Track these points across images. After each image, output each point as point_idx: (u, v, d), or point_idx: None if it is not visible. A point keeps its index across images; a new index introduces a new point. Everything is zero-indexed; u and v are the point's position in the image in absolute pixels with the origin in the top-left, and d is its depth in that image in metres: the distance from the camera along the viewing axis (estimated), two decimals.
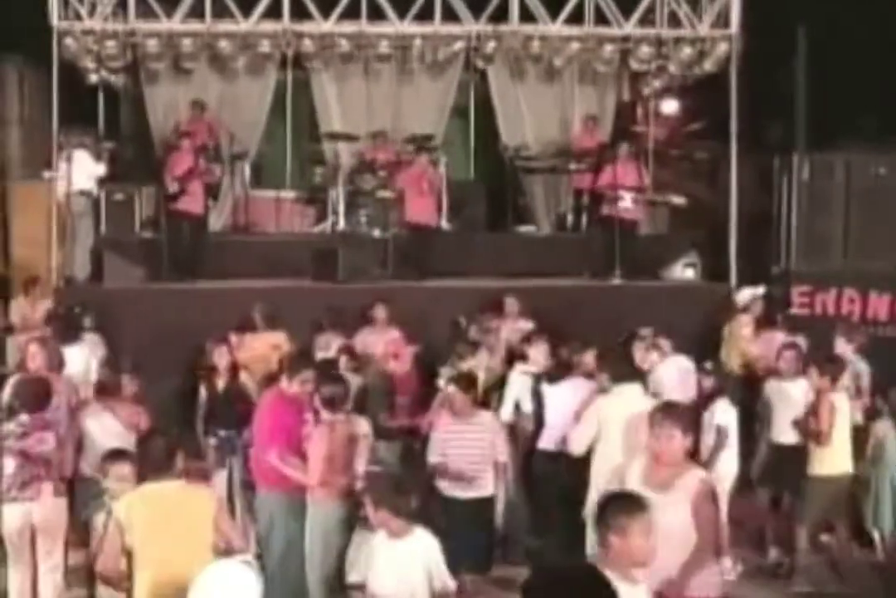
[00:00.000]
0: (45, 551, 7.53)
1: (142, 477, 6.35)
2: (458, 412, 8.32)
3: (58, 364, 9.04)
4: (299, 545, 7.68)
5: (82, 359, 10.20)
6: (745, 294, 12.45)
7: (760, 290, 12.61)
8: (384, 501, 6.06)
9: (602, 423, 7.81)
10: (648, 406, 7.43)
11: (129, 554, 5.97)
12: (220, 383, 9.91)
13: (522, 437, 9.41)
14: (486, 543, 8.40)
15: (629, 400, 7.82)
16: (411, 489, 6.21)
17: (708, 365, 9.09)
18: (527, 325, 11.53)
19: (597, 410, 7.98)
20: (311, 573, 7.61)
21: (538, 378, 9.38)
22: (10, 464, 7.33)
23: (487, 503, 8.36)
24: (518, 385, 9.55)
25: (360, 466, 7.82)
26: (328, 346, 10.87)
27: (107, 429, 8.38)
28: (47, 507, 7.41)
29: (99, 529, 6.59)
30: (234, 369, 9.84)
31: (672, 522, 5.87)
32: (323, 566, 7.51)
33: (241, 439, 9.18)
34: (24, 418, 7.43)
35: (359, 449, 7.84)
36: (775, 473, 9.32)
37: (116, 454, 6.89)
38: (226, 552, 6.02)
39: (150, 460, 6.24)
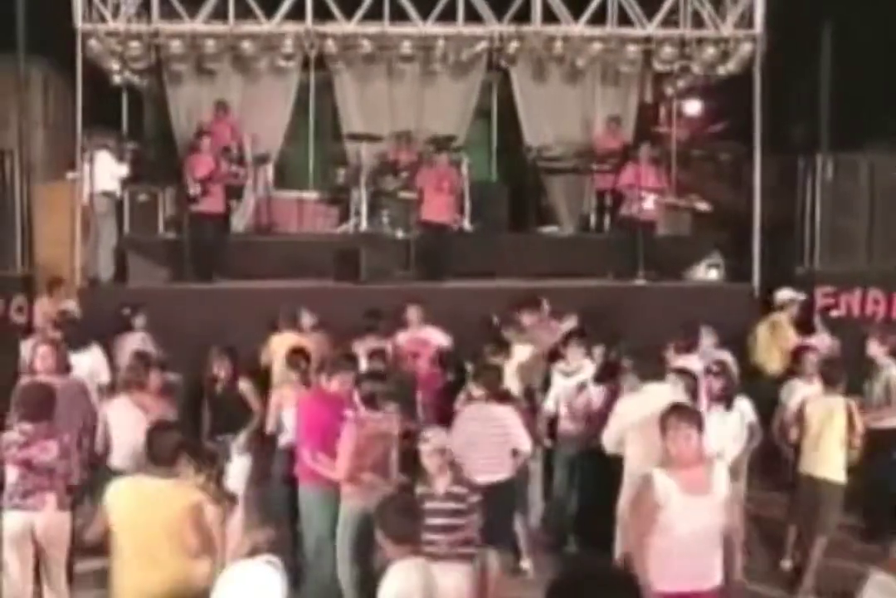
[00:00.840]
0: (49, 561, 7.42)
1: (140, 468, 6.41)
2: (479, 406, 8.45)
3: (65, 368, 9.03)
4: (332, 540, 7.80)
5: (87, 367, 10.18)
6: (784, 294, 12.31)
7: (800, 294, 12.54)
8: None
9: (629, 423, 7.79)
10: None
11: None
12: (219, 390, 9.93)
13: (563, 435, 9.55)
14: (505, 525, 8.47)
15: (655, 400, 7.78)
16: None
17: (714, 367, 9.03)
18: (563, 325, 11.49)
19: (624, 410, 7.97)
20: (342, 568, 7.71)
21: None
22: (12, 473, 7.20)
23: (504, 486, 8.37)
24: (559, 386, 9.64)
25: (394, 464, 7.85)
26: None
27: (133, 422, 8.39)
28: (50, 519, 7.26)
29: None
30: (234, 377, 9.85)
31: (713, 523, 6.01)
32: (354, 561, 7.60)
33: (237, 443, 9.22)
34: (26, 426, 7.26)
35: (393, 447, 7.86)
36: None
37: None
38: (250, 552, 6.04)
39: (153, 452, 6.20)
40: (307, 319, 11.66)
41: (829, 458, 8.64)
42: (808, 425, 8.69)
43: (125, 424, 8.42)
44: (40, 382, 8.36)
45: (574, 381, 9.54)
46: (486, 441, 8.27)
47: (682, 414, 6.32)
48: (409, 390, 10.10)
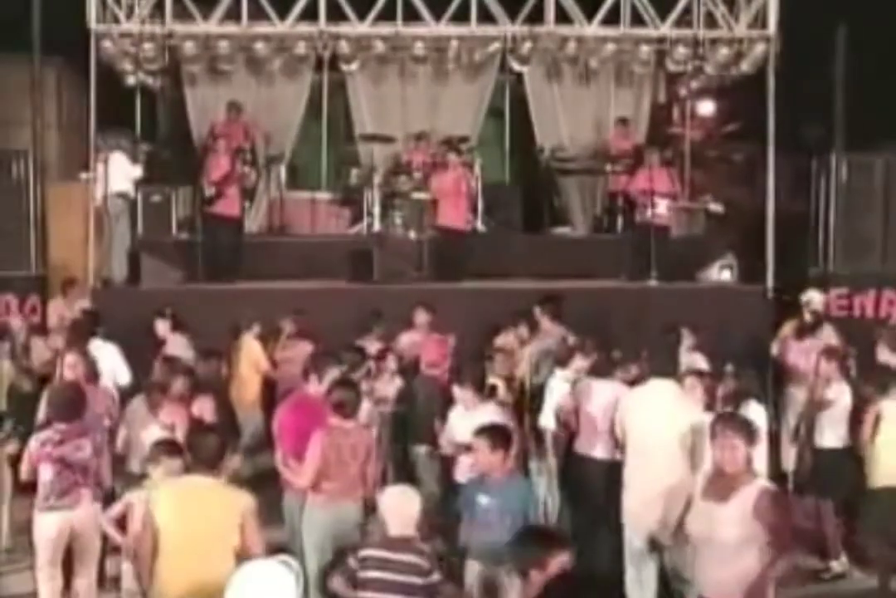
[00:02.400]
0: (81, 558, 7.53)
1: (187, 469, 6.44)
2: (466, 406, 8.51)
3: (94, 374, 9.06)
4: (297, 545, 7.69)
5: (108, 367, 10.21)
6: (815, 297, 12.17)
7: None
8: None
9: (628, 422, 7.80)
10: (679, 403, 7.40)
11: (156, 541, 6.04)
12: None
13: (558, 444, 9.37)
14: None
15: (657, 397, 7.76)
16: None
17: (729, 367, 8.98)
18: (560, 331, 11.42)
19: (625, 409, 7.95)
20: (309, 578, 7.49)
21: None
22: (48, 471, 7.34)
23: None
24: (557, 393, 9.44)
25: (370, 475, 7.68)
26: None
27: (149, 427, 8.42)
28: (87, 513, 7.40)
29: (137, 512, 6.69)
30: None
31: (728, 534, 5.91)
32: (315, 568, 7.41)
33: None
34: (60, 425, 7.43)
35: (368, 459, 7.65)
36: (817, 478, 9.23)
37: (171, 448, 6.92)
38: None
39: (198, 455, 6.24)
40: (288, 326, 11.66)
41: None
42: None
43: (142, 428, 8.41)
44: (70, 381, 8.47)
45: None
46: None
47: (730, 423, 6.25)
48: (433, 392, 10.04)
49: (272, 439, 8.41)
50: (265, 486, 8.00)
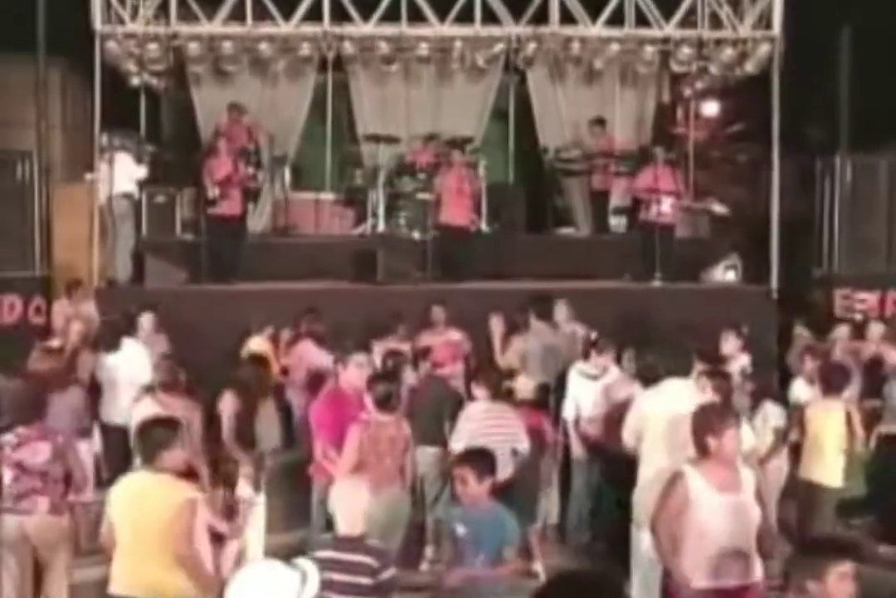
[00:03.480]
0: (47, 564, 7.33)
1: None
2: (482, 406, 8.59)
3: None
4: None
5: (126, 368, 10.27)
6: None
7: None
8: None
9: (644, 420, 7.71)
10: (692, 403, 7.38)
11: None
12: None
13: (581, 437, 9.51)
14: None
15: (672, 396, 7.73)
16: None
17: (749, 368, 8.99)
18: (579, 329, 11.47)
19: (639, 407, 7.90)
20: None
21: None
22: (7, 475, 7.11)
23: (506, 486, 8.34)
24: (576, 385, 9.57)
25: (408, 468, 7.85)
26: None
27: None
28: (43, 523, 7.19)
29: None
30: None
31: (748, 519, 6.08)
32: None
33: None
34: (19, 429, 7.19)
35: (405, 452, 7.83)
36: None
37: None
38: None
39: (143, 448, 6.22)
40: (286, 334, 11.71)
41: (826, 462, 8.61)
42: (807, 429, 8.68)
43: None
44: (27, 383, 8.35)
45: (600, 385, 9.43)
46: (488, 441, 8.32)
47: (729, 415, 6.39)
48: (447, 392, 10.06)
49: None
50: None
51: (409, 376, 10.14)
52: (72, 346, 10.73)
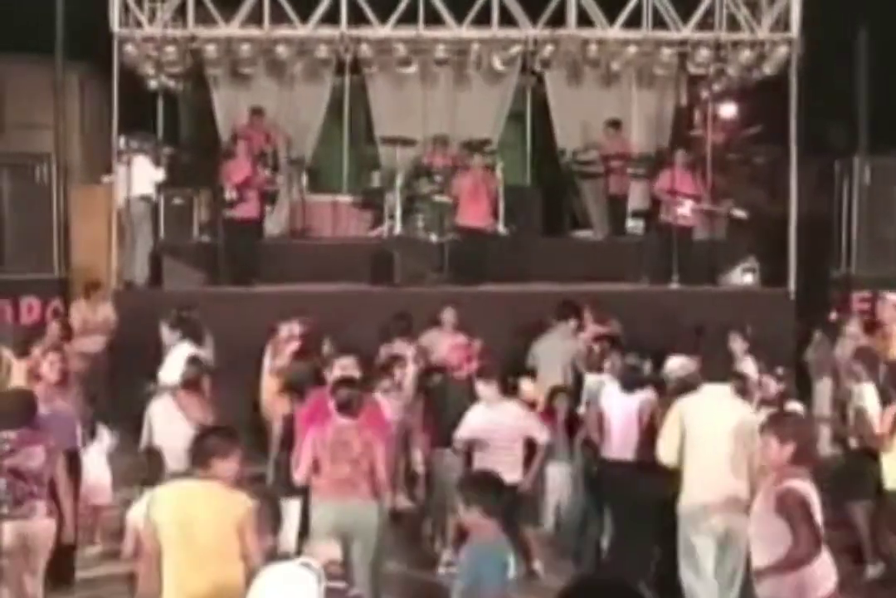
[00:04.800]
0: (29, 566, 7.24)
1: (185, 473, 6.31)
2: (488, 403, 8.61)
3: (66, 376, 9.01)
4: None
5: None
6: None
7: None
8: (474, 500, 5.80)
9: (688, 427, 7.58)
10: (737, 408, 7.35)
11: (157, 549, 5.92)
12: None
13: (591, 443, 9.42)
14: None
15: (715, 402, 7.66)
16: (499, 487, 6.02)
17: (780, 370, 8.95)
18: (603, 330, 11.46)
19: (680, 414, 7.73)
20: None
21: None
22: (1, 482, 7.04)
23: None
24: (593, 389, 9.57)
25: (380, 473, 7.60)
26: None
27: (170, 422, 8.45)
28: (40, 526, 7.14)
29: (135, 528, 6.66)
30: None
31: (757, 530, 6.07)
32: None
33: None
34: (9, 434, 7.10)
35: (366, 457, 7.57)
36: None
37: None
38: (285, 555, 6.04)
39: (196, 455, 6.06)
40: (296, 328, 11.67)
41: None
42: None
43: (161, 421, 8.43)
44: (16, 388, 8.38)
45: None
46: (497, 438, 8.46)
47: (771, 423, 6.32)
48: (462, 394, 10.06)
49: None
50: None
51: (407, 380, 10.17)
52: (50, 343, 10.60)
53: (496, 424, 8.56)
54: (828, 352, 11.38)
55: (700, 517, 7.45)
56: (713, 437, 7.42)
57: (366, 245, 14.61)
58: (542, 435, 8.73)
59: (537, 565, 8.91)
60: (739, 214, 14.82)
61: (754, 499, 6.27)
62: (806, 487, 6.04)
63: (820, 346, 11.78)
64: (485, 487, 5.91)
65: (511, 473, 8.29)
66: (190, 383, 8.85)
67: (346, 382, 7.97)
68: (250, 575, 5.84)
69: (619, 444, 8.71)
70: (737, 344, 10.46)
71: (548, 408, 9.77)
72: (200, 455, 5.98)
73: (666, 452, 7.73)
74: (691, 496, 7.49)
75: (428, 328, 11.65)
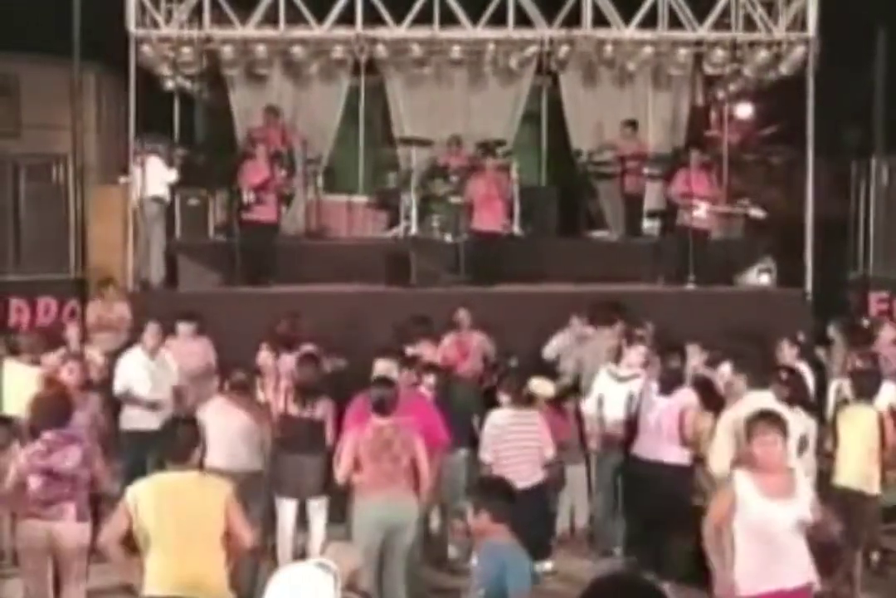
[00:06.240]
0: (66, 571, 7.28)
1: (160, 465, 6.45)
2: (508, 412, 8.65)
3: (88, 380, 9.08)
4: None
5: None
6: None
7: None
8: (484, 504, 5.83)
9: (739, 435, 7.32)
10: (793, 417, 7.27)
11: (132, 538, 6.08)
12: None
13: (602, 434, 9.54)
14: (542, 531, 8.60)
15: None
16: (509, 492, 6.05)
17: (783, 374, 8.90)
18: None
19: (731, 423, 7.64)
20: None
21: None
22: (35, 482, 7.08)
23: (537, 491, 8.57)
24: (602, 382, 9.62)
25: (421, 471, 7.70)
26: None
27: (231, 425, 8.49)
28: (69, 530, 7.15)
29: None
30: None
31: (796, 526, 6.05)
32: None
33: None
34: (47, 435, 7.17)
35: (405, 455, 7.69)
36: None
37: None
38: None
39: (171, 448, 6.25)
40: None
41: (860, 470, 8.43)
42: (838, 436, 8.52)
43: (222, 425, 8.43)
44: (56, 389, 8.37)
45: (628, 388, 9.42)
46: (516, 446, 8.50)
47: (773, 421, 6.31)
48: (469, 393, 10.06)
49: None
50: None
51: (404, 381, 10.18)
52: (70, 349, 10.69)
53: (514, 433, 8.60)
54: (844, 353, 11.32)
55: None
56: None
57: (381, 246, 14.61)
58: (549, 451, 8.78)
59: (548, 564, 8.92)
60: (757, 213, 14.76)
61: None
62: None
63: (836, 347, 11.72)
64: (493, 492, 5.96)
65: (527, 480, 8.39)
66: (239, 385, 8.88)
67: (381, 382, 8.10)
68: (243, 552, 6.25)
69: (653, 444, 8.78)
70: (784, 351, 10.39)
71: (560, 408, 9.78)
72: (178, 448, 6.20)
73: (720, 465, 7.62)
74: None
75: (448, 330, 11.62)
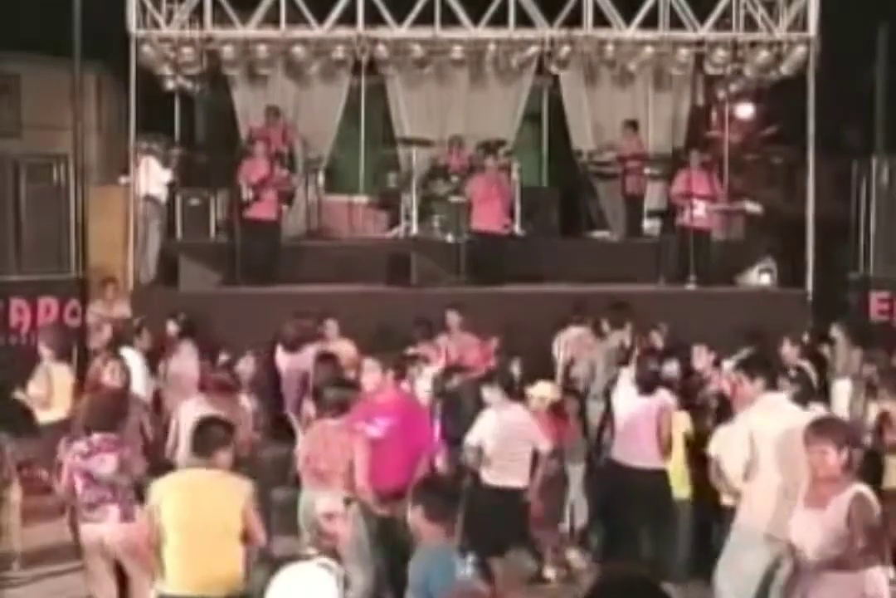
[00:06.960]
0: (130, 570, 7.31)
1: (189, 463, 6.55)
2: (494, 408, 8.57)
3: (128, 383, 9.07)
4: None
5: None
6: None
7: None
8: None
9: (757, 440, 7.14)
10: (802, 417, 7.19)
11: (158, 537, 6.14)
12: None
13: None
14: (515, 532, 8.49)
15: (782, 413, 7.32)
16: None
17: (792, 373, 8.89)
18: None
19: (748, 427, 7.30)
20: None
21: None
22: (79, 483, 7.15)
23: (516, 493, 8.48)
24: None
25: (360, 476, 7.56)
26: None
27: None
28: (116, 531, 7.16)
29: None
30: None
31: (825, 539, 5.93)
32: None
33: None
34: (95, 437, 7.19)
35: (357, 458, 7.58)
36: None
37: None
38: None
39: (199, 446, 6.31)
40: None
41: None
42: None
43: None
44: (112, 392, 8.34)
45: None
46: (496, 442, 8.42)
47: (821, 430, 6.18)
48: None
49: None
50: None
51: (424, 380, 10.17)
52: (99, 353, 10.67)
53: (502, 429, 8.49)
54: (847, 352, 11.32)
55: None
56: (778, 454, 7.08)
57: (382, 246, 14.62)
58: (543, 444, 8.58)
59: (550, 572, 8.86)
60: (753, 208, 14.78)
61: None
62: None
63: (839, 346, 11.72)
64: (431, 490, 5.67)
65: (515, 478, 8.40)
66: (222, 384, 8.86)
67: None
68: (254, 552, 6.24)
69: (630, 448, 8.69)
70: (786, 349, 10.36)
71: (560, 409, 9.74)
72: (204, 446, 6.28)
73: (733, 468, 7.28)
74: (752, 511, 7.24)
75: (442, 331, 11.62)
